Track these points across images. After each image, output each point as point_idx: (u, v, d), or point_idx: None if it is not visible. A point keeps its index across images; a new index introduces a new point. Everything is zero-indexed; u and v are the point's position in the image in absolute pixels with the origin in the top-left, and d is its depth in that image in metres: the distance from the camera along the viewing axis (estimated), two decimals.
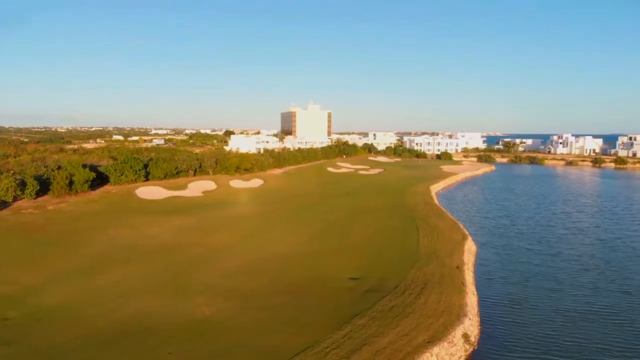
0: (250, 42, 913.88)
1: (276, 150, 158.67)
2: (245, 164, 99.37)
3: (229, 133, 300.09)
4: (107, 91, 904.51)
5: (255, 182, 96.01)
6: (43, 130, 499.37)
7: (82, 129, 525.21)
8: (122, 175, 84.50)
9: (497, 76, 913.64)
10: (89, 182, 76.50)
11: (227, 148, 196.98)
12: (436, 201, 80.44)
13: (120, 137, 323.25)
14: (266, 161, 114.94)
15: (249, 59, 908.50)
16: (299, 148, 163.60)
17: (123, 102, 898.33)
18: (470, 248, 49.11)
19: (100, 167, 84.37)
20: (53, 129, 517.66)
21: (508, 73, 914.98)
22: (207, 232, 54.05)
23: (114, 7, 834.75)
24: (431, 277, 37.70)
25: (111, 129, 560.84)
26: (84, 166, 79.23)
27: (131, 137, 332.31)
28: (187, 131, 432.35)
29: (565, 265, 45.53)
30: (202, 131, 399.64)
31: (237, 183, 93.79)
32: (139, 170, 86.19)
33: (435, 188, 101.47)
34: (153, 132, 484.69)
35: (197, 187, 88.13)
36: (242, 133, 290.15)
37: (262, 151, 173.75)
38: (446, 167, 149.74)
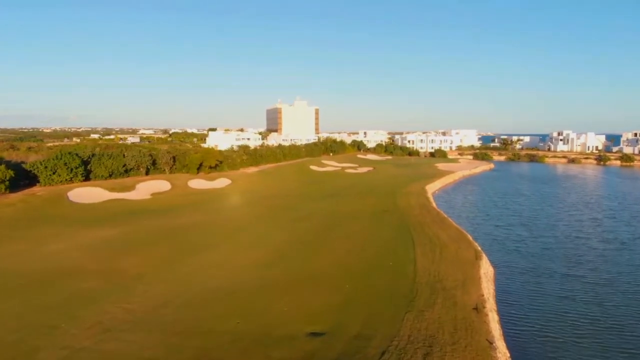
0: (238, 38, 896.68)
1: (253, 147, 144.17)
2: (210, 161, 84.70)
3: (212, 131, 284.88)
4: (98, 92, 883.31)
5: (221, 182, 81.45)
6: (26, 130, 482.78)
7: (71, 130, 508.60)
8: (54, 174, 69.71)
9: (490, 76, 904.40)
10: (6, 183, 61.64)
11: (204, 146, 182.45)
12: (434, 204, 66.36)
13: (99, 136, 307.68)
14: (239, 158, 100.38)
15: (235, 55, 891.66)
16: (279, 145, 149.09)
17: (113, 103, 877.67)
18: (487, 272, 34.99)
19: (25, 164, 69.37)
20: (40, 129, 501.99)
21: (500, 73, 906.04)
22: (125, 250, 39.42)
23: (102, 6, 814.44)
24: (438, 331, 23.51)
25: (100, 130, 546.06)
26: (3, 163, 64.29)
27: (110, 135, 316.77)
28: (174, 130, 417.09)
29: (630, 301, 31.53)
30: (189, 130, 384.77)
31: (198, 183, 79.14)
32: (76, 168, 71.37)
33: (432, 188, 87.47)
34: (141, 131, 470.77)
35: (147, 188, 73.43)
36: (227, 131, 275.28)
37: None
38: (442, 165, 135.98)
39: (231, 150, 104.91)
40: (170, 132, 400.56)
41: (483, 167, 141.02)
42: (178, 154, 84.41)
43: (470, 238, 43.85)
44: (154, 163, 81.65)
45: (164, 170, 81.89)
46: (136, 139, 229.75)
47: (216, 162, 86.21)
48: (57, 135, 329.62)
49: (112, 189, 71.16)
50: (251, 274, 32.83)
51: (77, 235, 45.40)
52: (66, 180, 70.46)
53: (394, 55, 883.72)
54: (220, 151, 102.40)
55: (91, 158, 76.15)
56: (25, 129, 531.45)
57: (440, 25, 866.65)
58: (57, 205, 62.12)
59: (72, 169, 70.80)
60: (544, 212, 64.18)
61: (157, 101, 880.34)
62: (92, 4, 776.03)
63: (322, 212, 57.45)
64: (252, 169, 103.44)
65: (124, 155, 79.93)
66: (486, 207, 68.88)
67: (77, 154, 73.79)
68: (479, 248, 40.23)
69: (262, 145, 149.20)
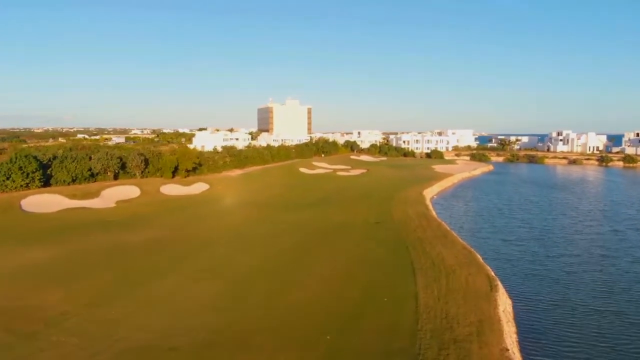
0: (231, 37, 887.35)
1: (239, 148, 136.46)
2: (186, 164, 76.93)
3: (202, 130, 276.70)
4: (93, 92, 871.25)
5: (198, 188, 73.83)
6: (17, 130, 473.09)
7: (63, 130, 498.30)
8: (7, 179, 61.88)
9: (485, 75, 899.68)
10: None
11: (190, 146, 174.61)
12: (434, 212, 59.03)
13: (85, 136, 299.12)
14: (221, 160, 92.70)
15: (229, 54, 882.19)
16: (268, 145, 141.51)
17: (108, 103, 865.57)
18: (506, 310, 27.68)
19: None
20: (32, 130, 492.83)
21: (496, 72, 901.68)
22: (55, 279, 31.64)
23: (95, 6, 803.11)
24: None
25: (93, 129, 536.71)
26: None
27: (98, 135, 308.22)
28: (166, 130, 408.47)
29: None
30: (181, 130, 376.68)
31: (171, 189, 71.45)
32: (33, 172, 63.52)
33: (430, 193, 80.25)
34: (134, 132, 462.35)
35: (113, 195, 65.67)
36: (217, 131, 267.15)
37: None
38: (439, 167, 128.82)
39: (213, 151, 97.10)
40: (162, 132, 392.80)
41: (482, 168, 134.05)
42: (151, 156, 76.58)
43: (480, 259, 36.46)
44: (123, 166, 73.80)
45: (135, 174, 74.08)
46: (121, 139, 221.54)
47: (194, 165, 78.46)
48: (43, 135, 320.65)
49: (72, 196, 63.40)
50: (197, 320, 25.12)
51: (8, 256, 37.72)
52: (21, 186, 62.65)
53: (388, 54, 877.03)
54: (199, 152, 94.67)
55: (52, 161, 68.29)
56: (17, 129, 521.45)
57: (435, 24, 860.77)
58: (6, 215, 54.40)
59: (28, 174, 62.95)
60: (558, 223, 56.92)
61: (152, 101, 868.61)
62: (85, 4, 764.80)
63: (305, 224, 49.90)
64: (236, 172, 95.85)
65: (90, 157, 72.11)
66: (491, 217, 61.61)
67: (35, 157, 65.87)
68: (492, 273, 32.88)
69: (248, 146, 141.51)
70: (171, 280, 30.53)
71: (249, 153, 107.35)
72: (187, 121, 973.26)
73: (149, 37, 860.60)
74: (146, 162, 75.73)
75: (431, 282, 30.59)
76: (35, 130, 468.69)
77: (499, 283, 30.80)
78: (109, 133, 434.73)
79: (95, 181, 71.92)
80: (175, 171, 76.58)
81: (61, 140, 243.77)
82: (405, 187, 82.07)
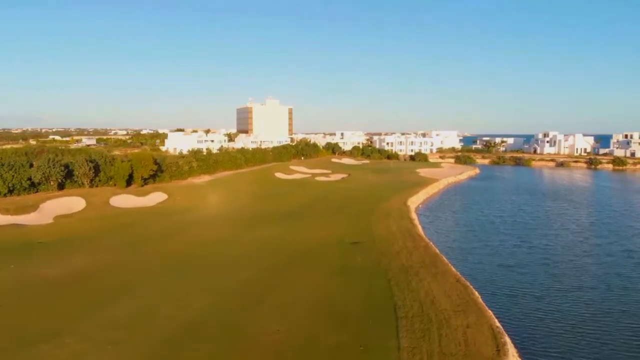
0: (215, 36, 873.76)
1: (209, 150, 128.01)
2: (142, 171, 68.34)
3: (179, 131, 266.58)
4: (74, 92, 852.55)
5: (153, 198, 65.45)
6: None
7: (42, 130, 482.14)
8: None
9: (469, 77, 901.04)
10: None
11: (163, 149, 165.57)
12: (420, 228, 51.55)
13: (57, 137, 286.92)
14: (186, 165, 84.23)
15: (212, 54, 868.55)
16: (242, 148, 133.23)
17: (89, 103, 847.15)
18: None
19: None
20: (10, 130, 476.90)
21: (479, 74, 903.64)
22: None
23: (76, 5, 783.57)
24: None
25: (73, 130, 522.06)
26: None
27: (76, 136, 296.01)
28: (145, 131, 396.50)
29: None
30: (161, 131, 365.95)
31: (122, 200, 62.96)
32: None
33: (415, 201, 73.06)
34: (115, 132, 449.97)
35: (54, 208, 57.09)
36: (194, 131, 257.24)
37: (203, 152, 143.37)
38: (423, 171, 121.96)
39: (178, 155, 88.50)
40: (141, 133, 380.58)
41: (468, 172, 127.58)
42: (103, 163, 67.79)
43: (479, 299, 29.00)
44: (69, 175, 65.00)
45: (83, 183, 65.34)
46: (92, 141, 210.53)
47: (151, 172, 69.86)
48: (16, 136, 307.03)
49: (5, 211, 54.59)
50: None
51: None
52: None
53: (372, 55, 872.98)
54: (163, 156, 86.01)
55: None
56: None
57: (418, 24, 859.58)
58: None
59: None
60: (561, 241, 49.83)
61: (133, 102, 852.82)
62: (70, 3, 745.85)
63: (266, 248, 41.80)
64: (204, 178, 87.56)
65: (30, 165, 63.22)
66: (484, 232, 54.42)
67: None
68: (497, 323, 25.44)
69: (220, 149, 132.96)
70: (68, 348, 22.17)
71: (219, 157, 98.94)
72: (169, 121, 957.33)
73: (130, 37, 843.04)
74: (97, 169, 67.01)
75: (419, 340, 22.96)
76: (13, 132, 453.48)
77: (507, 340, 23.36)
78: (89, 134, 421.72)
79: (37, 191, 63.15)
80: (129, 179, 68.04)
81: (32, 142, 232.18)
82: (389, 196, 74.74)
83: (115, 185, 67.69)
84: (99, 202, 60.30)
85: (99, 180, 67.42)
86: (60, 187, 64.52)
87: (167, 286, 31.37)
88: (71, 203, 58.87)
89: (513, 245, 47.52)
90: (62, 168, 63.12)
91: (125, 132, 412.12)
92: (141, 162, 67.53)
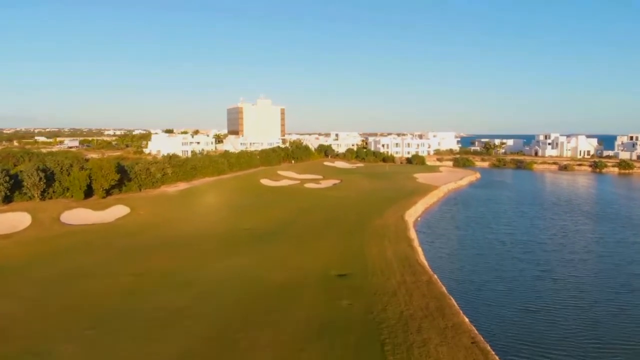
0: (208, 36, 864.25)
1: (205, 153, 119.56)
2: (101, 181, 59.72)
3: (169, 132, 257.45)
4: (69, 92, 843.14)
5: (113, 213, 56.86)
6: None
7: (35, 131, 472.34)
8: None
9: (466, 76, 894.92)
10: None
11: (146, 151, 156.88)
12: (420, 254, 43.22)
13: (44, 139, 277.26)
14: (159, 172, 75.68)
15: (203, 55, 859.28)
16: (225, 151, 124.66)
17: (83, 103, 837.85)
18: None
19: None
20: (2, 130, 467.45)
21: (477, 73, 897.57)
22: None
23: (74, 5, 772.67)
24: None
25: (67, 130, 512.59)
26: None
27: (69, 137, 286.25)
28: (137, 131, 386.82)
29: None
30: (153, 131, 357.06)
31: (76, 216, 54.36)
32: None
33: (413, 214, 64.98)
34: (109, 132, 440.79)
35: None
36: (184, 133, 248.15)
37: (188, 154, 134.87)
38: (421, 176, 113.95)
39: (150, 161, 79.90)
40: (133, 133, 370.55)
41: (469, 177, 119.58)
42: (58, 172, 59.15)
43: None
44: (17, 185, 56.36)
45: (34, 196, 56.72)
46: (74, 143, 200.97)
47: (112, 182, 61.22)
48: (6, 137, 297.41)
49: None
50: None
51: None
52: None
53: (367, 54, 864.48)
54: (136, 159, 77.36)
55: None
56: None
57: (412, 23, 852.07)
58: None
59: None
60: (591, 269, 41.42)
61: (127, 101, 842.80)
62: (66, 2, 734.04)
63: (228, 289, 33.23)
64: (179, 186, 79.13)
65: None
66: (495, 257, 46.18)
67: None
68: None
69: (201, 152, 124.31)
70: None
71: (199, 162, 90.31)
72: (162, 122, 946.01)
73: (125, 37, 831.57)
74: (52, 178, 58.38)
75: None
76: (5, 132, 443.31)
77: None
78: (82, 134, 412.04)
79: None
80: (88, 190, 59.47)
81: (15, 143, 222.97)
82: (384, 207, 66.61)
83: (72, 196, 59.16)
84: (47, 219, 51.71)
85: (54, 192, 58.80)
86: (8, 200, 55.91)
87: (83, 354, 22.96)
88: (13, 220, 50.25)
89: (534, 278, 39.26)
90: (7, 178, 54.44)
91: (119, 133, 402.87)
92: (101, 170, 58.94)
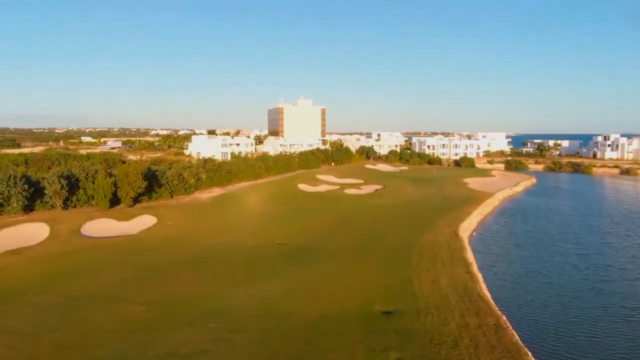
0: (245, 38, 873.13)
1: (243, 155, 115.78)
2: (127, 189, 55.84)
3: (211, 133, 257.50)
4: (116, 92, 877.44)
5: (139, 223, 52.78)
6: (39, 130, 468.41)
7: (86, 130, 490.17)
8: None
9: (512, 73, 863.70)
10: None
11: (186, 152, 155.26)
12: (481, 282, 36.39)
13: (90, 139, 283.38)
14: (192, 178, 71.66)
15: (245, 56, 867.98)
16: (263, 154, 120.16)
17: (131, 103, 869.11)
18: None
19: None
20: (54, 130, 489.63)
21: (523, 70, 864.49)
22: None
23: (125, 8, 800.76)
24: None
25: (116, 130, 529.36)
26: None
27: (117, 137, 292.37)
28: (182, 132, 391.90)
29: None
30: (198, 131, 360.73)
31: (98, 227, 50.52)
32: None
33: (467, 228, 57.83)
34: (156, 132, 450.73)
35: (6, 240, 45.05)
36: (226, 134, 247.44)
37: (228, 156, 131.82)
38: (472, 181, 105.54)
39: (184, 165, 75.99)
40: (178, 133, 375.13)
41: (524, 182, 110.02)
42: (83, 178, 55.75)
43: None
44: (38, 193, 53.18)
45: (55, 204, 53.43)
46: (117, 143, 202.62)
47: (139, 190, 57.27)
48: (43, 137, 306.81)
49: None
50: None
51: None
52: None
53: (409, 52, 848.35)
54: (176, 161, 73.58)
55: None
56: (42, 129, 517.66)
57: (458, 20, 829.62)
58: None
59: None
60: None
61: (178, 102, 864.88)
62: (106, 5, 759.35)
63: (252, 324, 27.87)
64: (214, 191, 74.98)
65: None
66: (570, 288, 38.65)
67: None
68: None
69: (238, 155, 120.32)
70: None
71: (234, 166, 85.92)
72: (206, 122, 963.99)
73: (181, 39, 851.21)
74: (76, 186, 55.00)
75: None
76: (57, 131, 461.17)
77: None
78: (130, 134, 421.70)
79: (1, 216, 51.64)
80: (113, 198, 55.74)
81: (61, 144, 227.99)
82: (433, 219, 59.87)
83: (97, 205, 55.61)
84: (66, 231, 48.07)
85: (78, 200, 55.48)
86: (29, 208, 52.83)
87: None
88: (30, 233, 46.85)
89: (622, 319, 31.72)
90: (27, 186, 51.20)
91: (164, 133, 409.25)
92: (127, 177, 55.11)
